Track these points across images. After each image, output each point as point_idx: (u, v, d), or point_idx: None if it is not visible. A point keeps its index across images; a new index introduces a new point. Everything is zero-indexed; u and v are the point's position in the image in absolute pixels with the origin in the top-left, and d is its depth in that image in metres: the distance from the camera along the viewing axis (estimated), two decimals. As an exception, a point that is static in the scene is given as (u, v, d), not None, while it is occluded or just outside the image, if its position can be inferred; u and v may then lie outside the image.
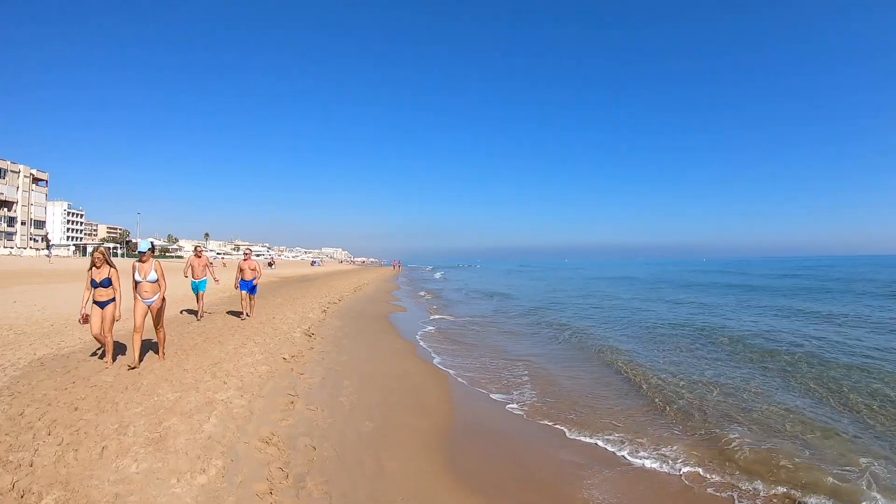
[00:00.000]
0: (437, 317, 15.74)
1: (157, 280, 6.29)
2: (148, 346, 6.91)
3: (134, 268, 6.26)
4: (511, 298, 23.85)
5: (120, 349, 6.86)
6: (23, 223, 68.96)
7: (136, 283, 6.22)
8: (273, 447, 4.01)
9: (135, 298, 6.26)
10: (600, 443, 4.93)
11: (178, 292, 14.30)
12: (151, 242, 6.47)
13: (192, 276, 10.92)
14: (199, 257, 11.17)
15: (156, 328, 6.52)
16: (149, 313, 6.29)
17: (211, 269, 11.17)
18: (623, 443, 4.89)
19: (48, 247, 67.07)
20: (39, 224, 73.07)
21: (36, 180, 71.77)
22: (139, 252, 6.32)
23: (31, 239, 69.50)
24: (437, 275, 62.34)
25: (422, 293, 27.30)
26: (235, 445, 3.89)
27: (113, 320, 6.11)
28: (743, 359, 8.92)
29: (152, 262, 6.35)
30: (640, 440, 4.94)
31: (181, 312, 11.63)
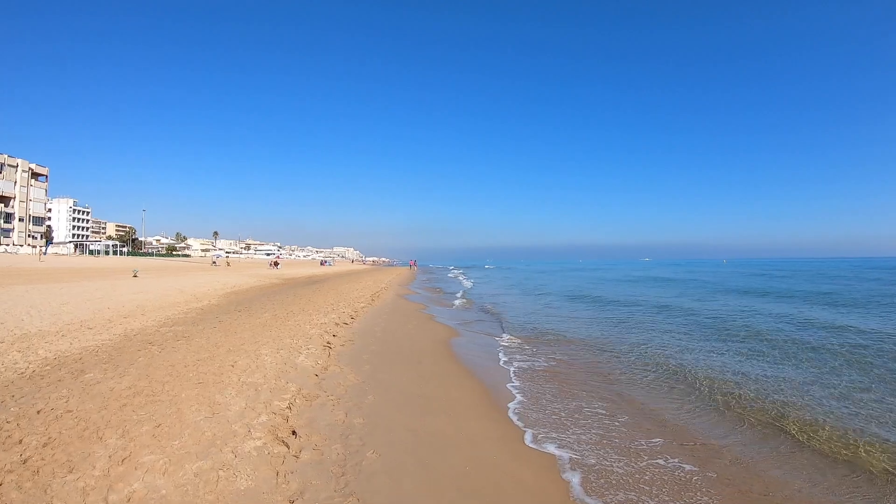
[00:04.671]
0: (533, 349, 10.29)
1: None
2: None
3: None
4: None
5: None
6: (21, 220, 65.60)
7: None
8: None
9: None
10: None
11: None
12: None
13: None
14: None
15: None
16: None
17: None
18: None
19: (46, 244, 63.52)
20: (38, 220, 69.73)
21: (35, 175, 68.44)
22: None
23: (29, 236, 66.11)
24: (466, 278, 56.72)
25: (471, 303, 21.91)
26: None
27: None
28: None
29: None
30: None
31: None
